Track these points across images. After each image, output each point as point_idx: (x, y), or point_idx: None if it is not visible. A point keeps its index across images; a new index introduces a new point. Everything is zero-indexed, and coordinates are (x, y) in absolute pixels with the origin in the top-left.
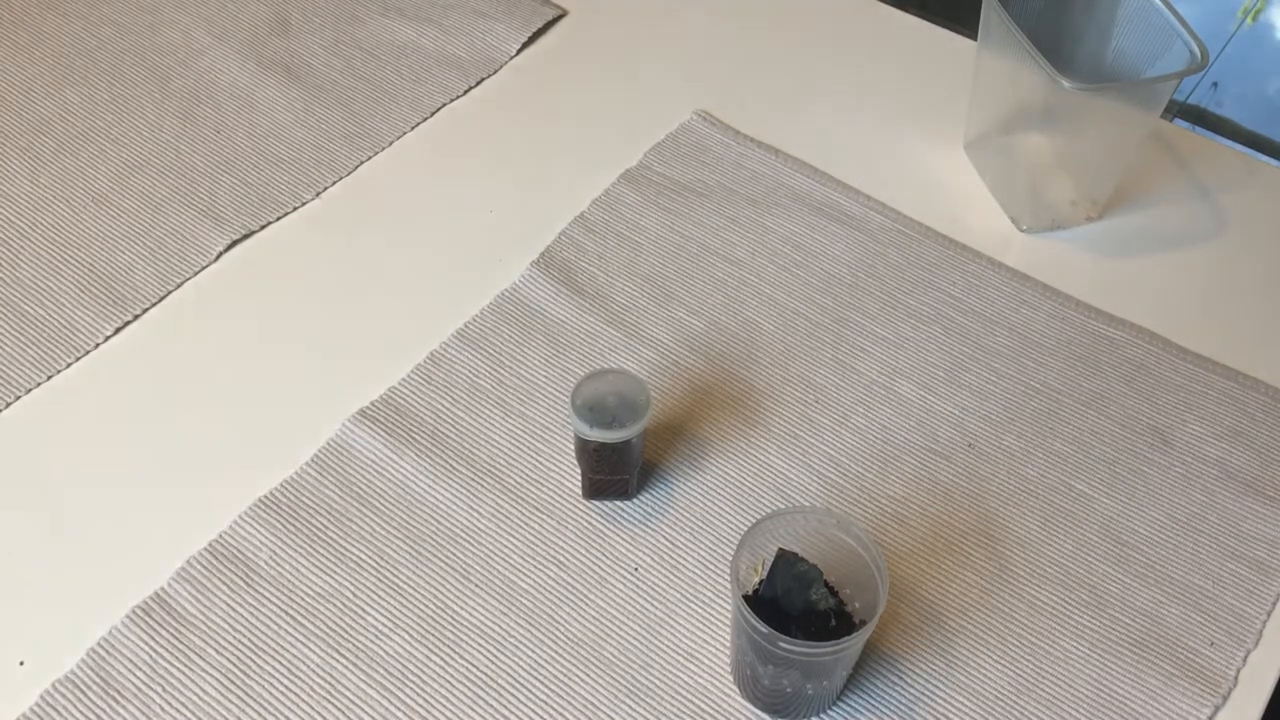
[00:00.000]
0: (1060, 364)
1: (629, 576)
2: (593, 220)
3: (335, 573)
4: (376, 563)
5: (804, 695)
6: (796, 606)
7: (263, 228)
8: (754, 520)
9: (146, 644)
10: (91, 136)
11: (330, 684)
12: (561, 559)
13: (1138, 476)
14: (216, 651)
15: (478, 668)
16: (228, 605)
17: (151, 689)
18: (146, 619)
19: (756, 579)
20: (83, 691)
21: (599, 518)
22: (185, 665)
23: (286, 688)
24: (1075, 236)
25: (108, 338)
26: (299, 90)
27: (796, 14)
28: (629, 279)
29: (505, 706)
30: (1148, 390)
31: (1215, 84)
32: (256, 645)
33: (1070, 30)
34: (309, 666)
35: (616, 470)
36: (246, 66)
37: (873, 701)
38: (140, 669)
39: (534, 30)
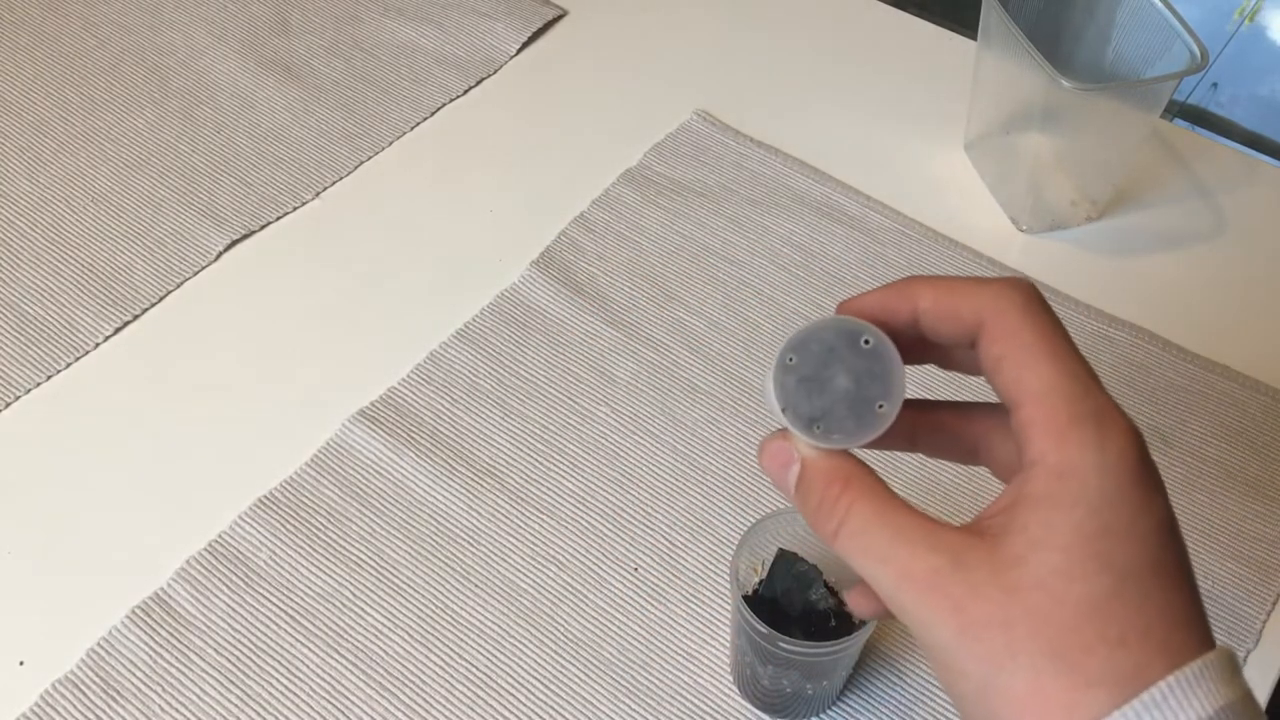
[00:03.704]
0: None
1: (629, 576)
2: (593, 220)
3: (335, 573)
4: (376, 563)
5: (804, 695)
6: (796, 607)
7: (263, 228)
8: (754, 520)
9: (146, 644)
10: (91, 136)
11: (330, 684)
12: (561, 559)
13: None
14: (216, 651)
15: (478, 668)
16: (227, 605)
17: (151, 689)
18: (146, 619)
19: (756, 579)
20: (83, 691)
21: (599, 518)
22: (185, 665)
23: (286, 688)
24: (1075, 236)
25: (107, 337)
26: (299, 90)
27: (796, 14)
28: (629, 279)
29: (505, 706)
30: (1148, 390)
31: (1215, 84)
32: (256, 645)
33: (1070, 30)
34: (309, 666)
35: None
36: (246, 66)
37: (873, 701)
38: (140, 669)
39: (534, 30)
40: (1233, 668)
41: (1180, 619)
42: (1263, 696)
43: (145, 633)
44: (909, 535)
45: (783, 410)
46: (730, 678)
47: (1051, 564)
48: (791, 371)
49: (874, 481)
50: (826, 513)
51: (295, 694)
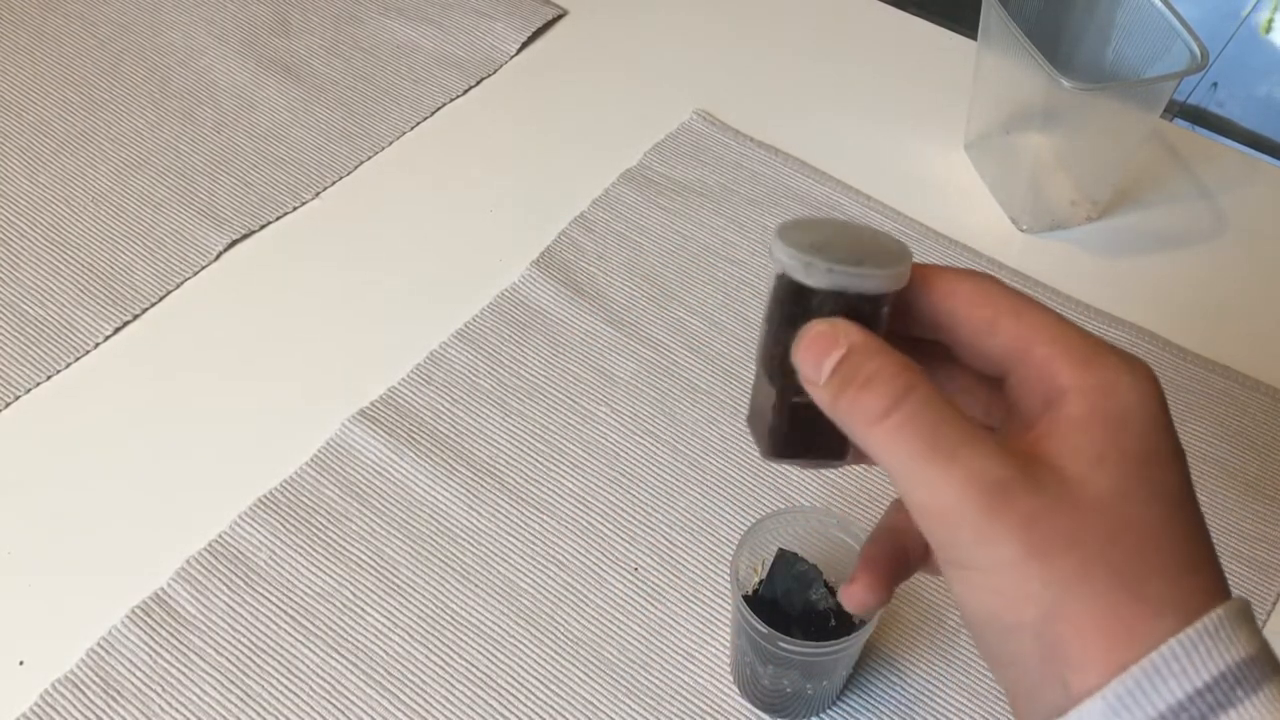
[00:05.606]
0: None
1: (629, 576)
2: (592, 220)
3: (335, 573)
4: (376, 563)
5: (804, 695)
6: (796, 606)
7: (263, 228)
8: (754, 520)
9: (146, 644)
10: (91, 136)
11: (330, 684)
12: (561, 559)
13: None
14: (216, 651)
15: (478, 668)
16: (227, 605)
17: (151, 689)
18: (146, 619)
19: (756, 579)
20: (83, 691)
21: (599, 518)
22: (185, 665)
23: (286, 688)
24: (1075, 236)
25: (107, 337)
26: (299, 90)
27: (796, 14)
28: (629, 279)
29: (505, 706)
30: None
31: (1215, 84)
32: (256, 645)
33: (1070, 30)
34: (309, 666)
35: None
36: (246, 66)
37: (873, 701)
38: (140, 669)
39: (534, 30)
40: (1249, 613)
41: (1210, 555)
42: None
43: (145, 633)
44: (976, 437)
45: (806, 263)
46: (730, 678)
47: (1115, 486)
48: (794, 229)
49: (931, 381)
50: (879, 388)
51: (295, 694)
